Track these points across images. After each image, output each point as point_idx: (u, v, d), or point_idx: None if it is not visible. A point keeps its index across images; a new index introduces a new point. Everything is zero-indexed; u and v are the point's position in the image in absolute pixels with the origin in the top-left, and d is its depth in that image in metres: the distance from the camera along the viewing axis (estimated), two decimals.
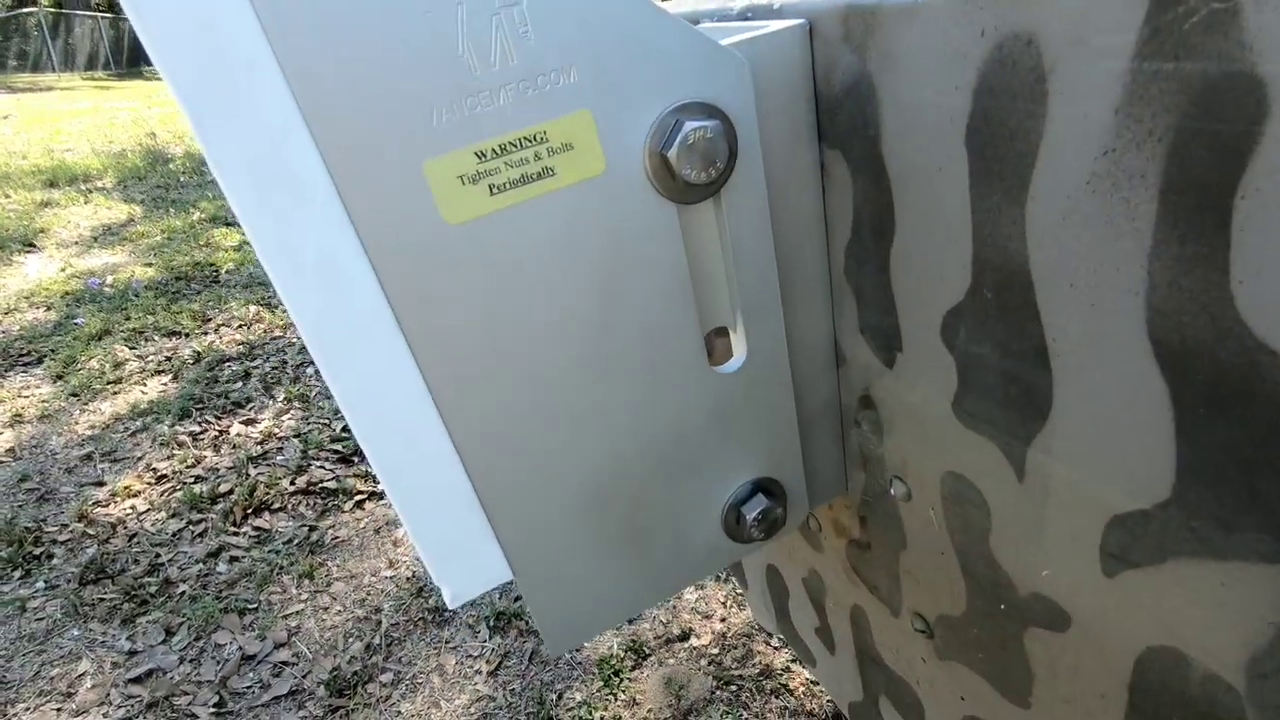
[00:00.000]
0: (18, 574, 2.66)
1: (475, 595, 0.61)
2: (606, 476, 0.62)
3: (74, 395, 3.66)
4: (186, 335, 4.26)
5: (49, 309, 4.62)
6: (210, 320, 4.43)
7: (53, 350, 4.06)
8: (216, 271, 5.12)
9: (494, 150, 0.48)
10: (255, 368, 3.83)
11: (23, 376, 3.86)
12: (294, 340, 4.10)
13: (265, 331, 4.24)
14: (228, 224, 6.06)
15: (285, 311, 4.47)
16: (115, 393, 3.66)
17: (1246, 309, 0.35)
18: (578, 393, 0.57)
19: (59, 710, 2.18)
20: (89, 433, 3.36)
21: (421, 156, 0.46)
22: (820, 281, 0.66)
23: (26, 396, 3.67)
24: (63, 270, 5.14)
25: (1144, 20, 0.34)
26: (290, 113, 0.42)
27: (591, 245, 0.53)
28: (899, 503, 0.68)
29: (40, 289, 4.81)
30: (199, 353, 3.99)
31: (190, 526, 2.85)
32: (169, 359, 3.98)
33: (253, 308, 4.57)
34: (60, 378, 3.80)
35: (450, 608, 1.67)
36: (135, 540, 2.78)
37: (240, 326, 4.34)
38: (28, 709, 2.17)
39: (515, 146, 0.48)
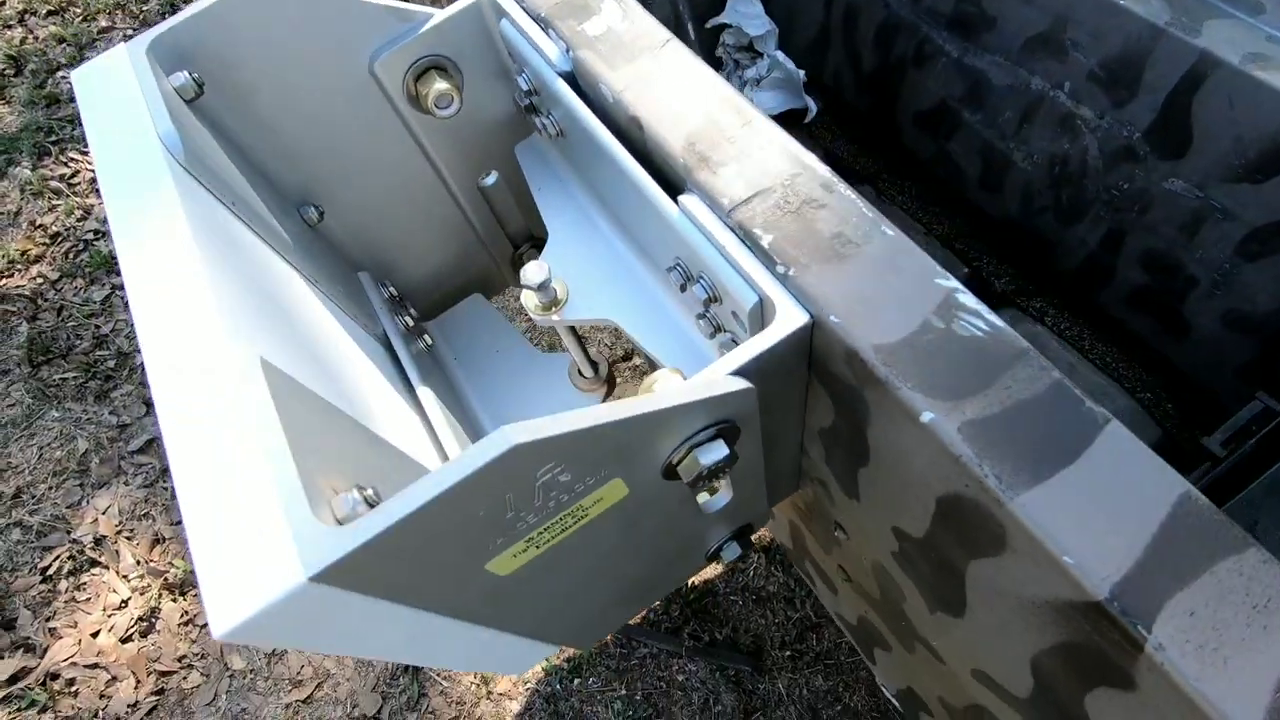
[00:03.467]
0: None
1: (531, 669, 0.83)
2: (630, 585, 0.79)
3: None
4: None
5: None
6: (3, 3, 3.59)
7: None
8: None
9: (538, 533, 0.54)
10: None
11: None
12: (134, 29, 3.41)
13: (86, 15, 3.49)
14: None
15: None
16: None
17: None
18: (614, 576, 0.72)
19: (80, 485, 2.45)
20: None
21: (482, 564, 0.53)
22: (795, 436, 0.75)
23: None
24: None
25: None
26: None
27: (612, 529, 0.62)
28: (837, 534, 0.90)
29: None
30: (14, 57, 3.34)
31: (117, 292, 2.80)
32: None
33: None
34: None
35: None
36: (65, 315, 2.76)
37: (52, 13, 3.56)
38: (50, 488, 2.44)
39: (556, 524, 0.54)
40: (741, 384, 0.55)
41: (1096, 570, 0.43)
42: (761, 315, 0.61)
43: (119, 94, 0.65)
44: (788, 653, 2.16)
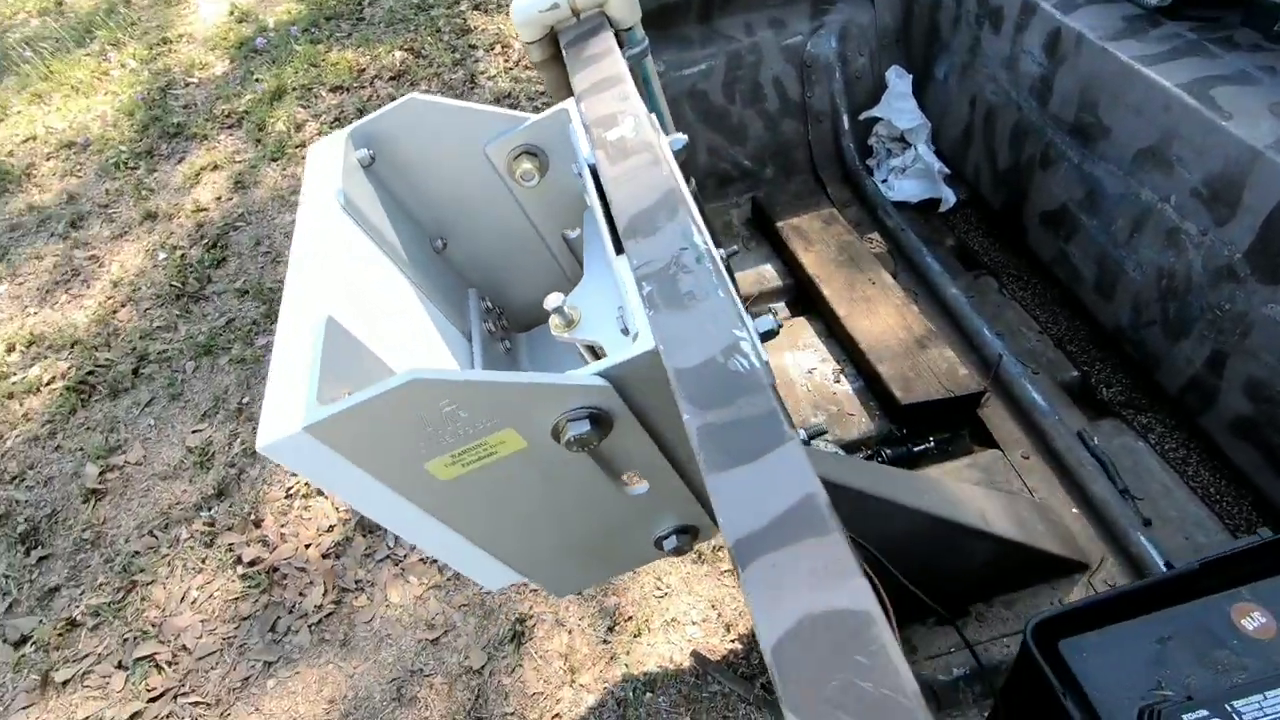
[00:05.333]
0: (273, 328, 3.60)
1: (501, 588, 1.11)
2: (577, 541, 1.05)
3: (273, 159, 4.33)
4: (348, 90, 4.66)
5: (230, 61, 5.13)
6: (364, 71, 4.76)
7: (246, 112, 4.67)
8: (360, 6, 5.27)
9: (457, 454, 0.83)
10: None
11: (229, 139, 4.55)
12: (437, 90, 4.38)
13: (412, 82, 4.53)
14: None
15: (430, 59, 4.69)
16: (303, 157, 4.29)
17: None
18: (554, 523, 0.98)
19: None
20: (294, 198, 4.07)
21: (421, 463, 0.83)
22: None
23: (239, 161, 4.39)
24: (230, 14, 5.49)
25: None
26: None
27: (530, 474, 0.89)
28: None
29: (217, 38, 5.28)
30: (361, 109, 4.43)
31: None
32: (338, 119, 4.47)
33: (398, 54, 4.81)
34: (259, 141, 4.45)
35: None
36: None
37: (391, 78, 4.65)
38: None
39: (470, 451, 0.83)
40: (599, 382, 0.80)
41: (733, 529, 0.61)
42: None
43: (326, 161, 1.08)
44: None
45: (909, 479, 1.23)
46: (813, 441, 1.52)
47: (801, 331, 1.95)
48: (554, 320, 1.12)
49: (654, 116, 1.23)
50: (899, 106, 2.15)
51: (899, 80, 2.17)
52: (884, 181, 2.21)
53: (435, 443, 0.81)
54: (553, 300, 1.07)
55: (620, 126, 1.04)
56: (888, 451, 1.68)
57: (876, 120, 2.22)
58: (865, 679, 0.51)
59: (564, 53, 1.23)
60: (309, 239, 0.95)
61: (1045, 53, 1.68)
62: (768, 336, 0.91)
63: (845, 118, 2.24)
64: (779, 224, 2.10)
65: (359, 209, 1.05)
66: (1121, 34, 1.53)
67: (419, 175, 1.19)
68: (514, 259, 1.35)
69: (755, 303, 2.05)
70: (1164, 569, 1.39)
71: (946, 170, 2.12)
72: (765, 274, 2.09)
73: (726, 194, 2.32)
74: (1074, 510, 1.53)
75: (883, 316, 1.82)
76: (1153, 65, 1.43)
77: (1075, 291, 1.78)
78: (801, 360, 1.87)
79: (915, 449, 1.67)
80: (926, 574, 1.33)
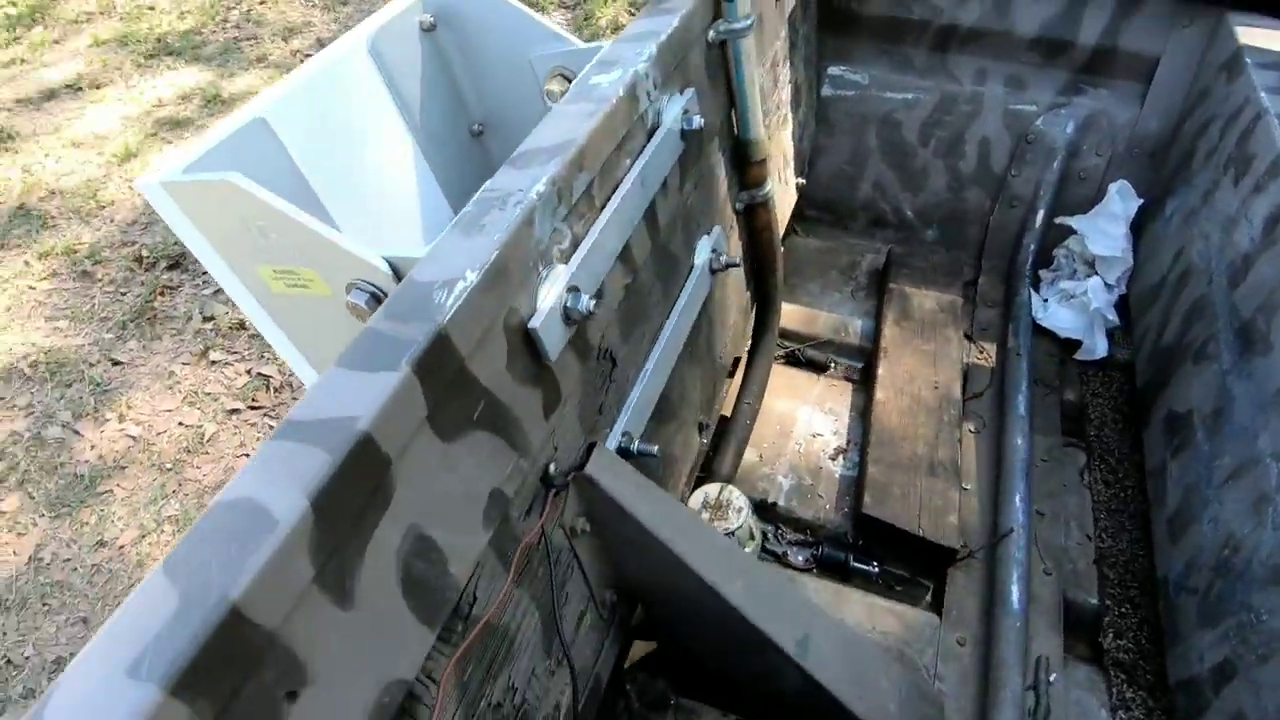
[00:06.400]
0: None
1: None
2: None
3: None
4: None
5: None
6: None
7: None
8: None
9: (279, 270, 0.94)
10: None
11: (560, 16, 4.98)
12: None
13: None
14: None
15: None
16: None
17: None
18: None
19: None
20: None
21: (254, 265, 0.96)
22: None
23: None
24: None
25: None
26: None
27: (343, 324, 0.98)
28: None
29: None
30: None
31: None
32: None
33: None
34: (580, 29, 4.83)
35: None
36: None
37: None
38: None
39: (287, 274, 0.94)
40: (378, 261, 0.85)
41: (302, 409, 0.65)
42: None
43: (388, 11, 1.22)
44: None
45: (730, 553, 1.12)
46: (727, 490, 1.42)
47: (838, 395, 1.78)
48: None
49: (691, 94, 1.19)
50: (1105, 228, 1.80)
51: (1121, 199, 1.80)
52: (1045, 300, 1.88)
53: (259, 250, 0.93)
54: None
55: (609, 74, 1.04)
56: (825, 548, 1.52)
57: (1072, 232, 1.88)
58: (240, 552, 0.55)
59: None
60: (317, 62, 1.11)
61: (1264, 227, 1.31)
62: (575, 316, 0.89)
63: (1041, 214, 1.92)
64: (891, 285, 1.90)
65: (388, 61, 1.18)
66: None
67: (475, 58, 1.29)
68: None
69: (821, 348, 1.90)
70: None
71: (1114, 320, 1.75)
72: (849, 326, 1.92)
73: (872, 235, 2.13)
74: None
75: (918, 422, 1.61)
76: None
77: (1151, 516, 1.42)
78: (815, 421, 1.73)
79: (854, 563, 1.49)
80: (728, 659, 1.22)
